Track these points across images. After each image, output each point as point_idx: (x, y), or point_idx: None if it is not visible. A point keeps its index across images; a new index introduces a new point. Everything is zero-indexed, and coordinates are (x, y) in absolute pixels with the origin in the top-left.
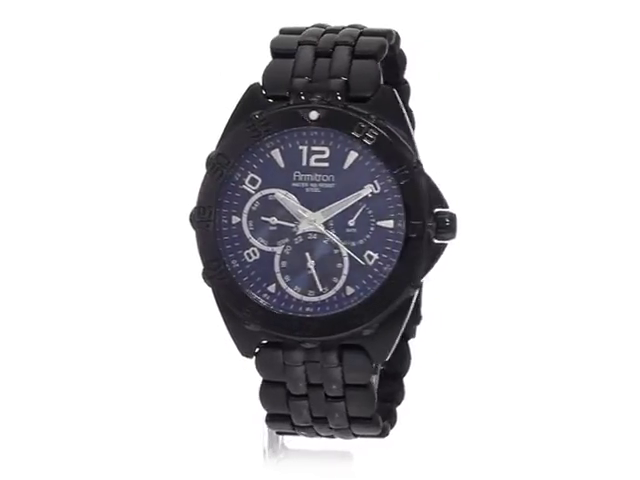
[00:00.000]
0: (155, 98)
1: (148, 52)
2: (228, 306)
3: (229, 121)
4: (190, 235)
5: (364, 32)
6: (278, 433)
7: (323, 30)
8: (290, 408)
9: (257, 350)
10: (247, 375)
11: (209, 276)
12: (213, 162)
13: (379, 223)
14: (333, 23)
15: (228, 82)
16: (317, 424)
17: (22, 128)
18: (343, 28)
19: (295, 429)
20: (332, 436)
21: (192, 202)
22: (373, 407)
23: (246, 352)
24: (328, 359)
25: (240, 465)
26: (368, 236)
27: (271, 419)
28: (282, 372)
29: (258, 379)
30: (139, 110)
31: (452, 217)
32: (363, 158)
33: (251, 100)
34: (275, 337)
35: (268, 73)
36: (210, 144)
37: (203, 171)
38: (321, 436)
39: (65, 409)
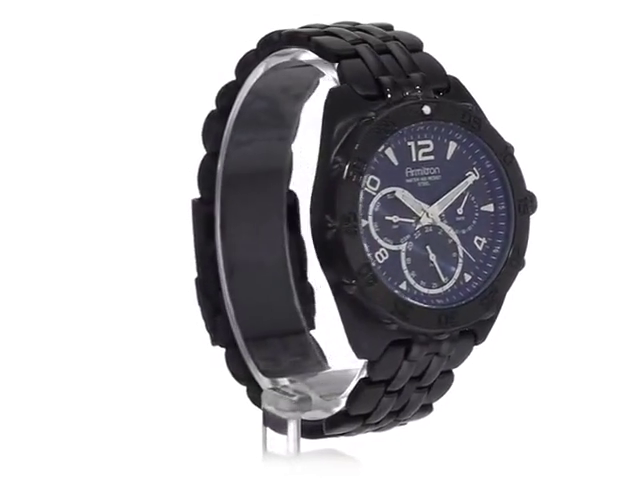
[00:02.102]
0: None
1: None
2: (372, 309)
3: (329, 123)
4: None
5: (381, 26)
6: (311, 437)
7: (342, 28)
8: (379, 406)
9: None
10: None
11: (359, 282)
12: (348, 167)
13: (482, 208)
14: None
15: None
16: (388, 419)
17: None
18: (349, 25)
19: (357, 430)
20: (378, 430)
21: None
22: (447, 391)
23: (375, 354)
24: (449, 348)
25: (243, 466)
26: (474, 222)
27: (343, 421)
28: (396, 370)
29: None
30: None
31: (534, 194)
32: (461, 147)
33: (347, 101)
34: (408, 334)
35: (351, 73)
36: None
37: None
38: (366, 432)
39: (70, 407)
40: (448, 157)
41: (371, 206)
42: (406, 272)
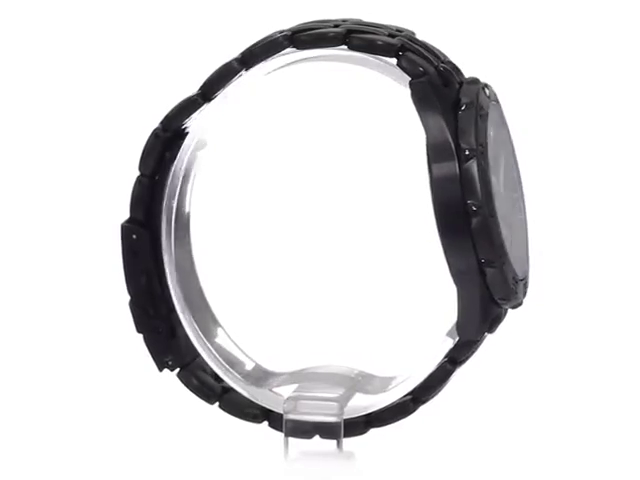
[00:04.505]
0: None
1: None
2: (498, 288)
3: (431, 112)
4: None
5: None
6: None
7: (354, 25)
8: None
9: None
10: None
11: (499, 262)
12: (478, 154)
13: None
14: None
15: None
16: None
17: None
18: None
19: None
20: None
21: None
22: None
23: (479, 334)
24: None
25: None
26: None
27: (410, 408)
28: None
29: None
30: None
31: None
32: (494, 124)
33: (433, 90)
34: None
35: (416, 65)
36: None
37: None
38: None
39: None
40: (491, 134)
41: None
42: None
